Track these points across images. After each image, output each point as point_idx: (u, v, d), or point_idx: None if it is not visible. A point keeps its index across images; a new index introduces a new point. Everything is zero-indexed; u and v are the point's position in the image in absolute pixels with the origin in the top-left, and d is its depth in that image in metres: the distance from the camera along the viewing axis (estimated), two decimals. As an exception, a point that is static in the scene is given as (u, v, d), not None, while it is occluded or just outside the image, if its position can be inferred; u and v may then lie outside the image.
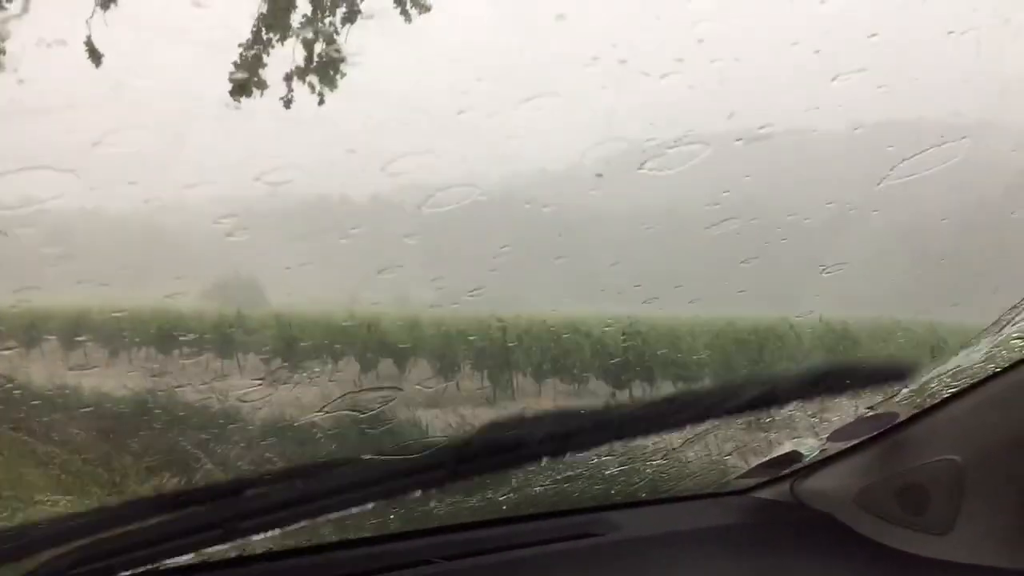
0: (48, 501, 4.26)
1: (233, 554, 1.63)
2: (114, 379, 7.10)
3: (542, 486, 2.06)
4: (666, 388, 9.42)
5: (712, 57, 4.05)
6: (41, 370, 7.55)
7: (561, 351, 10.39)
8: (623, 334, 10.16)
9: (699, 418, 1.84)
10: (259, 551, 1.68)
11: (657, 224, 6.64)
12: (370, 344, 9.93)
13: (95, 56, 6.54)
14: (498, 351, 9.52)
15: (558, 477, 2.06)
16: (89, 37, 6.80)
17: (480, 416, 7.64)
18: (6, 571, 1.40)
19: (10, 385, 6.97)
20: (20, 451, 5.51)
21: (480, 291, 5.35)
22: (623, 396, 9.34)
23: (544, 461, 1.79)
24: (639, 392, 9.38)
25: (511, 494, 2.04)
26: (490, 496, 2.02)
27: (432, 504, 2.03)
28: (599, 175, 4.47)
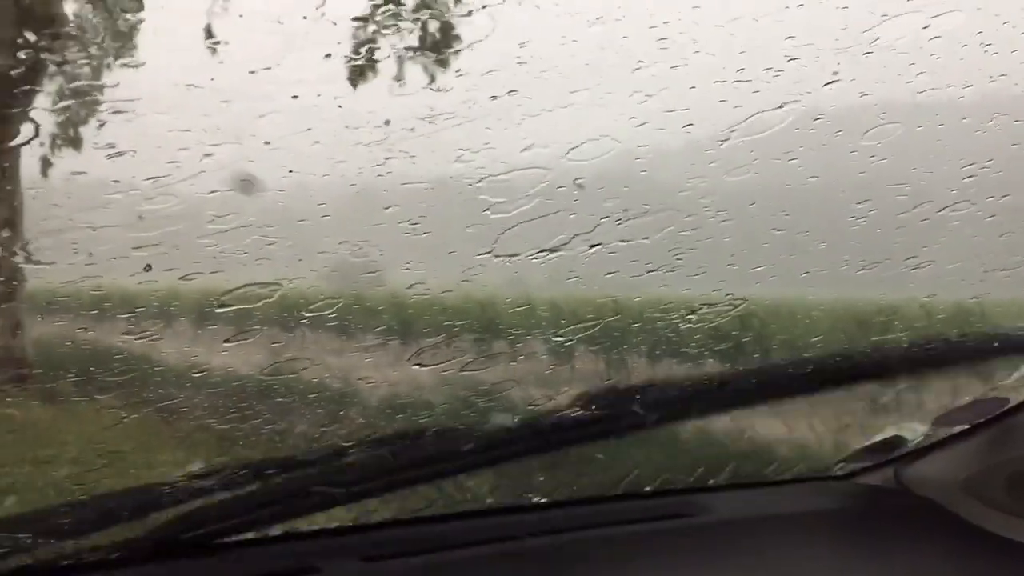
0: (169, 468, 4.53)
1: (333, 525, 1.71)
2: (240, 357, 7.42)
3: (634, 466, 2.08)
4: (776, 368, 9.23)
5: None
6: (174, 348, 7.97)
7: (675, 331, 10.29)
8: (739, 314, 10.00)
9: (804, 391, 1.82)
10: (364, 521, 1.75)
11: (778, 202, 6.53)
12: (484, 324, 10.06)
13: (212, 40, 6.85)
14: (611, 331, 9.51)
15: (650, 457, 2.07)
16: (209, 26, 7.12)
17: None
18: (123, 530, 1.51)
19: (147, 365, 7.40)
20: (149, 423, 5.84)
21: (588, 266, 5.37)
22: (730, 374, 9.20)
23: (639, 435, 1.81)
24: (749, 373, 9.22)
25: (602, 473, 2.06)
26: (580, 475, 2.05)
27: (529, 480, 2.07)
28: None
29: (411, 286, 7.13)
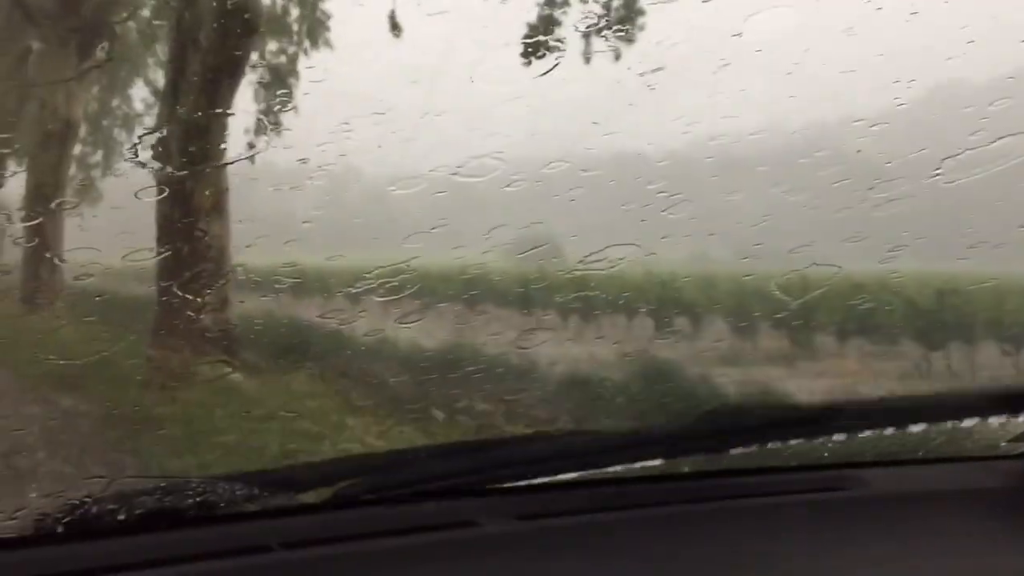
0: (354, 438, 4.77)
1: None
2: (426, 332, 7.68)
3: (793, 438, 2.03)
4: (982, 349, 8.70)
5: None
6: (365, 322, 8.33)
7: (866, 309, 9.83)
8: (939, 291, 9.45)
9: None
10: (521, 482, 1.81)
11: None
12: (664, 301, 9.98)
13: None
14: (797, 309, 9.21)
15: (810, 430, 2.02)
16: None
17: (775, 377, 7.49)
18: (311, 495, 1.65)
19: (339, 336, 7.80)
20: (340, 395, 6.16)
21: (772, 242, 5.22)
22: (934, 356, 8.73)
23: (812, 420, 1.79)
24: (953, 352, 8.72)
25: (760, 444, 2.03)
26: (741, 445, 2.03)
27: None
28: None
29: (586, 259, 7.15)
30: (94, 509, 1.44)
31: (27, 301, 13.23)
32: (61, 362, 8.01)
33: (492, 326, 8.19)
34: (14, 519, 1.44)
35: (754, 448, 1.88)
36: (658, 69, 5.88)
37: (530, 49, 7.32)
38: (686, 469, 1.98)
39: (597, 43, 9.39)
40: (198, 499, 1.51)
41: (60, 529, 1.42)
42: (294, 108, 12.30)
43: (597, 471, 1.82)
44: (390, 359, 7.13)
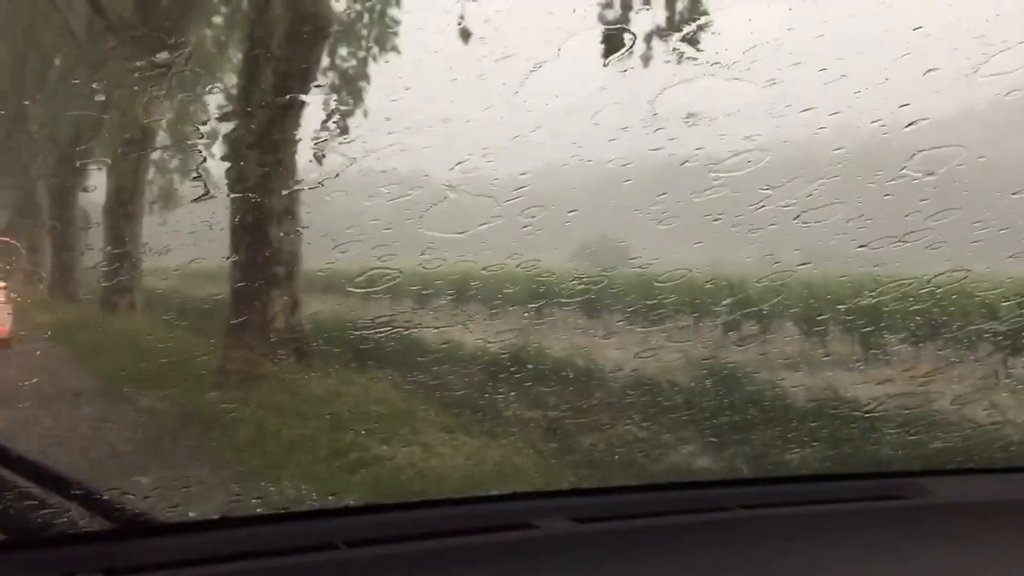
0: (434, 435, 4.84)
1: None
2: (489, 334, 7.72)
3: (854, 446, 2.01)
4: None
5: None
6: (433, 325, 8.42)
7: (944, 314, 9.58)
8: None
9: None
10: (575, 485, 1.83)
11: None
12: (733, 305, 9.86)
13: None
14: (871, 313, 9.03)
15: (870, 438, 1.99)
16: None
17: (843, 380, 7.35)
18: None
19: (407, 338, 7.89)
20: (407, 396, 6.22)
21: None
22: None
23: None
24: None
25: (822, 450, 2.01)
26: (799, 450, 2.01)
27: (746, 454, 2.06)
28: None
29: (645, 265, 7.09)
30: (172, 505, 1.51)
31: (107, 303, 13.67)
32: (139, 362, 8.26)
33: (565, 330, 8.21)
34: (85, 519, 1.52)
35: (816, 453, 1.88)
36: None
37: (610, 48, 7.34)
38: (743, 474, 1.98)
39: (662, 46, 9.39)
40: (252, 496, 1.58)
41: (144, 523, 1.50)
42: (363, 112, 12.50)
43: (652, 476, 1.83)
44: (457, 362, 7.18)
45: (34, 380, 7.36)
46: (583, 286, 9.01)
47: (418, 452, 4.70)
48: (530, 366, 7.03)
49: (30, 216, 18.09)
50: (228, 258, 8.07)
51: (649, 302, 9.16)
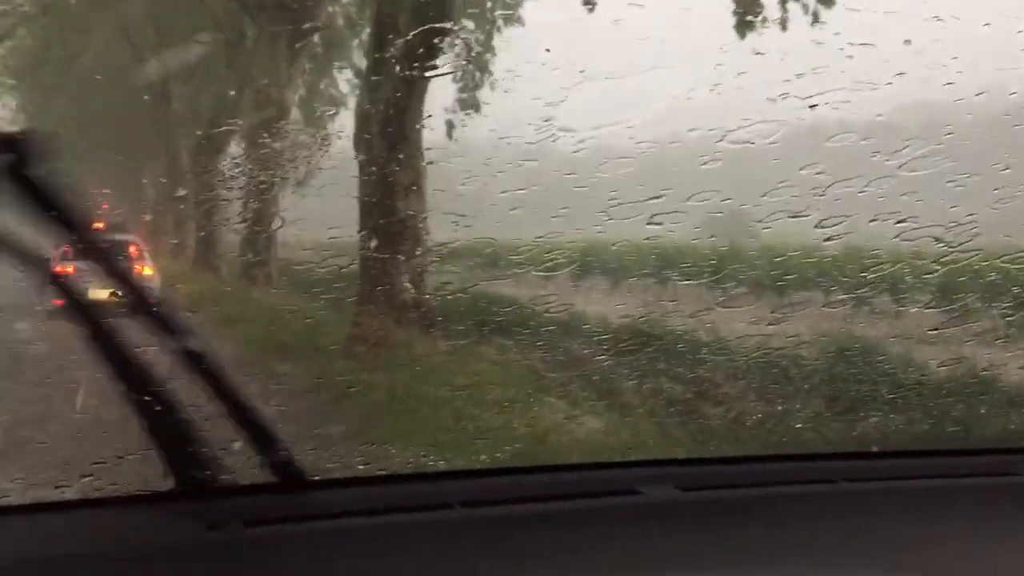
0: (540, 409, 4.90)
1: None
2: (612, 306, 7.73)
3: (964, 422, 1.94)
4: None
5: None
6: (558, 297, 8.47)
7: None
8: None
9: None
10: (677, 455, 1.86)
11: None
12: (864, 280, 9.54)
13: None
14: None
15: (980, 413, 1.92)
16: None
17: (988, 357, 7.03)
18: (488, 460, 1.77)
19: (529, 310, 7.97)
20: (530, 367, 6.30)
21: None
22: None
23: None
24: None
25: (944, 426, 1.96)
26: (921, 426, 1.97)
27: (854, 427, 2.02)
28: None
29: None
30: (304, 463, 1.62)
31: (246, 275, 14.28)
32: (275, 332, 8.63)
33: (689, 303, 8.12)
34: (225, 475, 1.64)
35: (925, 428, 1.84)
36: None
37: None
38: (850, 449, 1.96)
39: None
40: (375, 458, 1.67)
41: (279, 480, 1.61)
42: (491, 84, 12.61)
43: (764, 448, 1.84)
44: (580, 334, 7.22)
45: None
46: (708, 258, 8.90)
47: (537, 421, 4.77)
48: (652, 339, 7.01)
49: (176, 193, 19.01)
50: (357, 231, 8.31)
51: (776, 275, 8.97)
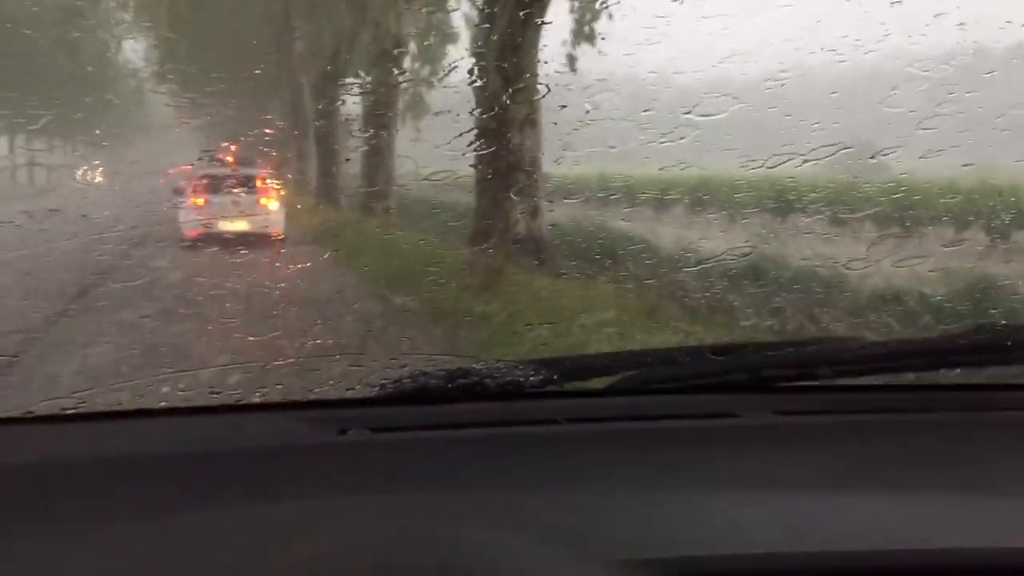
0: (650, 340, 4.95)
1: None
2: (728, 241, 7.67)
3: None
4: None
5: None
6: (669, 231, 8.45)
7: None
8: None
9: None
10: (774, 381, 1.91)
11: None
12: (1001, 212, 9.18)
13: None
14: None
15: None
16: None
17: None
18: (598, 383, 1.86)
19: (642, 244, 7.98)
20: (640, 300, 6.34)
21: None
22: None
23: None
24: None
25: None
26: None
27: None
28: None
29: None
30: (431, 381, 1.75)
31: (366, 208, 14.65)
32: (394, 263, 8.90)
33: (808, 238, 7.99)
34: (354, 388, 1.79)
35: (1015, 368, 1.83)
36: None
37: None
38: (943, 381, 1.96)
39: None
40: (506, 379, 1.78)
41: (401, 392, 1.76)
42: (607, 17, 12.41)
43: (856, 377, 1.87)
44: (692, 267, 7.21)
45: (300, 277, 8.15)
46: (829, 192, 8.69)
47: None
48: (768, 273, 6.95)
49: (299, 127, 19.53)
50: (473, 165, 8.42)
51: (904, 210, 8.70)
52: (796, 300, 6.22)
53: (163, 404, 1.93)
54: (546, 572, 1.14)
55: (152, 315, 5.46)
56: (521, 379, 1.76)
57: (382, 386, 1.72)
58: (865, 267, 6.54)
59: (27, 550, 1.23)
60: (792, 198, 8.65)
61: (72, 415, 1.76)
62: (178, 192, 11.98)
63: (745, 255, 6.86)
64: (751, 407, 1.78)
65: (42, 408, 1.81)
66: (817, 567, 1.21)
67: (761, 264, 7.08)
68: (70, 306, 6.81)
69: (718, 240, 7.93)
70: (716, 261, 6.49)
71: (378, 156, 13.79)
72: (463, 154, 8.11)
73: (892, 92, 6.44)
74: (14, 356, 5.06)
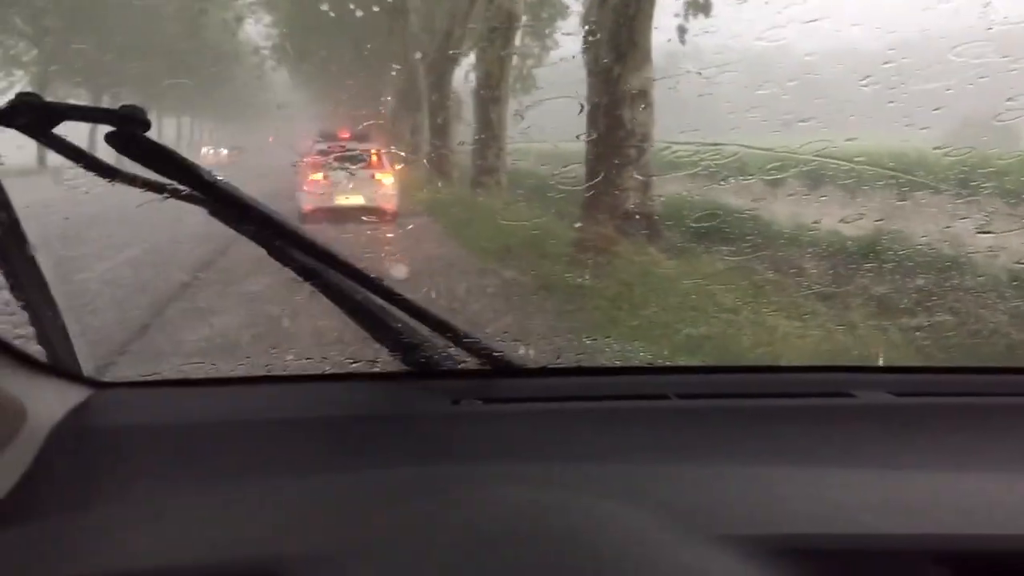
0: (770, 318, 4.86)
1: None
2: (845, 216, 7.42)
3: None
4: None
5: None
6: (784, 210, 8.25)
7: None
8: None
9: None
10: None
11: None
12: None
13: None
14: None
15: None
16: None
17: None
18: (705, 358, 1.87)
19: (757, 219, 7.81)
20: (760, 276, 6.21)
21: None
22: None
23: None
24: None
25: None
26: None
27: None
28: None
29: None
30: (542, 354, 1.79)
31: (476, 182, 14.78)
32: (503, 237, 8.97)
33: (931, 215, 7.67)
34: (466, 360, 1.84)
35: None
36: None
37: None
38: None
39: None
40: (616, 353, 1.81)
41: (512, 365, 1.80)
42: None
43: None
44: (810, 244, 7.02)
45: (412, 250, 8.30)
46: (955, 167, 8.33)
47: (760, 330, 4.75)
48: (888, 250, 6.72)
49: (412, 104, 19.80)
50: (583, 138, 8.39)
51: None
52: (913, 276, 6.00)
53: (283, 372, 2.02)
54: (655, 545, 1.16)
55: (271, 285, 5.66)
56: (631, 353, 1.78)
57: (494, 358, 1.76)
58: (993, 243, 6.26)
59: (155, 508, 1.31)
60: (915, 173, 8.32)
61: (197, 380, 1.87)
62: (296, 168, 12.32)
63: (870, 231, 6.65)
64: (866, 386, 1.75)
65: (168, 372, 1.92)
66: (932, 549, 1.19)
67: (885, 241, 6.84)
68: (197, 275, 7.14)
69: (837, 216, 7.69)
70: (836, 238, 6.32)
71: (489, 131, 13.89)
72: (575, 131, 8.09)
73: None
74: (146, 324, 5.35)
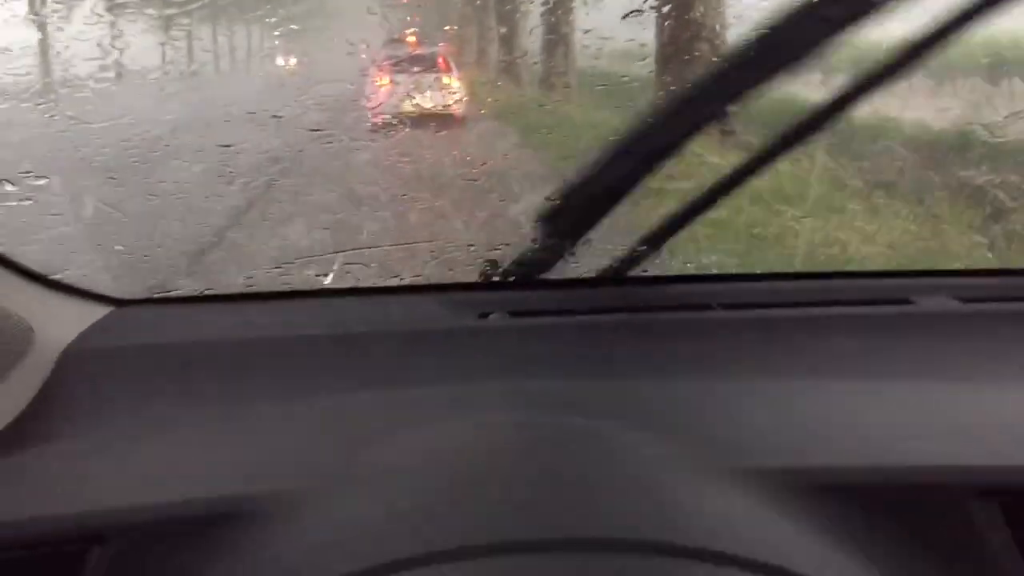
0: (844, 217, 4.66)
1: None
2: (930, 110, 7.07)
3: None
4: None
5: None
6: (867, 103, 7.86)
7: None
8: None
9: None
10: None
11: None
12: None
13: None
14: None
15: None
16: None
17: None
18: (755, 265, 1.75)
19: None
20: (834, 177, 5.96)
21: None
22: None
23: None
24: None
25: None
26: None
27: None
28: None
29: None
30: (574, 263, 1.70)
31: (545, 84, 14.49)
32: (572, 141, 8.76)
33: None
34: (497, 271, 1.76)
35: None
36: None
37: None
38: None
39: None
40: (656, 261, 1.71)
41: (543, 278, 1.71)
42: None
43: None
44: (893, 140, 6.72)
45: (478, 156, 8.18)
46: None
47: (832, 230, 4.56)
48: (974, 146, 6.39)
49: (480, 5, 19.37)
50: (655, 38, 8.13)
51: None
52: (998, 172, 5.70)
53: (307, 286, 1.98)
54: (664, 470, 1.09)
55: (329, 197, 5.64)
56: (672, 260, 1.69)
57: (524, 268, 1.68)
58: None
59: (165, 433, 1.28)
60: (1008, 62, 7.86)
61: (217, 296, 1.84)
62: (364, 74, 12.18)
63: (947, 126, 6.33)
64: (926, 291, 1.62)
65: (207, 288, 1.89)
66: (983, 483, 1.07)
67: (963, 135, 6.50)
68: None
69: (923, 109, 7.32)
70: (920, 132, 6.01)
71: (557, 32, 13.53)
72: (646, 25, 7.78)
73: None
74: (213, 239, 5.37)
